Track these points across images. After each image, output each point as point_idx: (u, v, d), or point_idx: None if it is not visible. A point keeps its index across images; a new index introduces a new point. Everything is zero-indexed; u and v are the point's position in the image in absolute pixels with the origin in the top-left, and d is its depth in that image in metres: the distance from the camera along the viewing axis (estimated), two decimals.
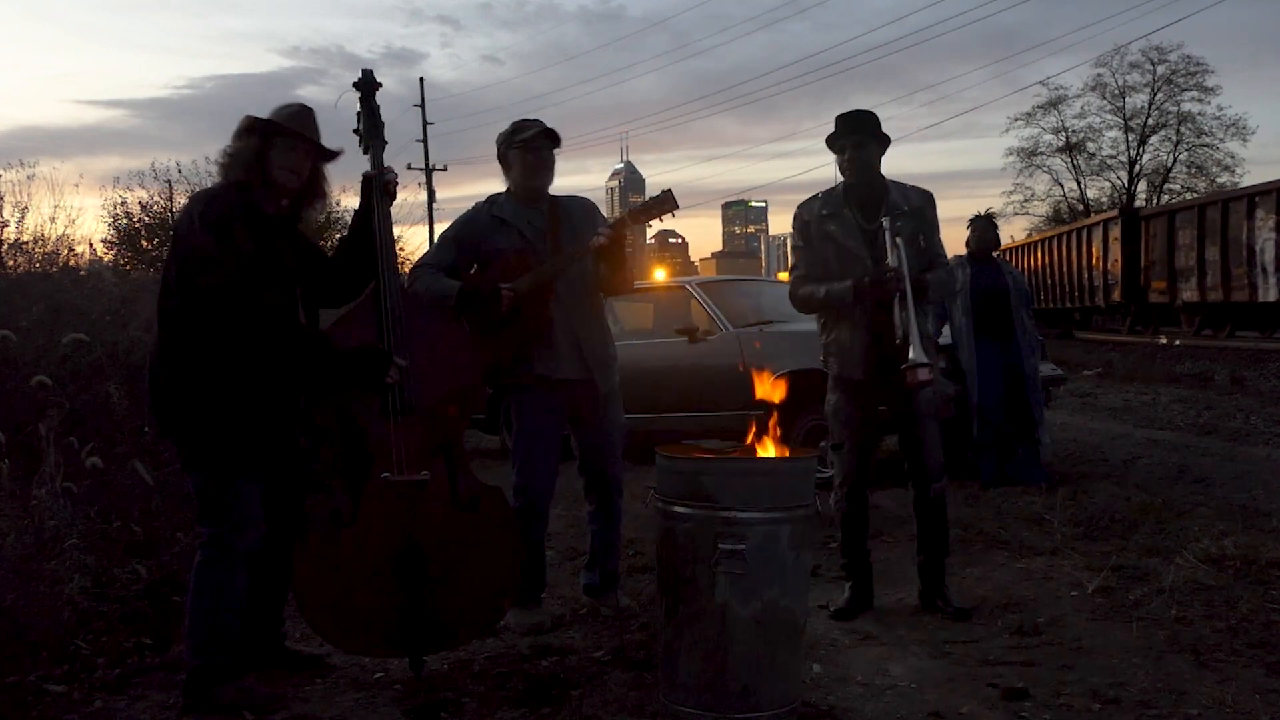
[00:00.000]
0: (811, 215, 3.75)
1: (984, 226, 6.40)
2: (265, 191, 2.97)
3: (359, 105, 3.22)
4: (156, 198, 16.68)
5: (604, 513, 3.83)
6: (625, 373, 3.91)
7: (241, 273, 2.83)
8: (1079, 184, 39.47)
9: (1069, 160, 39.27)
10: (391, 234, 3.16)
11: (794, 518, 2.73)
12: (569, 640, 3.47)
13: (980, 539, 4.73)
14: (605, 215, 3.91)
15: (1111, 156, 39.13)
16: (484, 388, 3.69)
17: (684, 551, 2.74)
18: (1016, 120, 39.83)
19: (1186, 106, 37.17)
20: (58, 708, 2.93)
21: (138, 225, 16.86)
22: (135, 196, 16.82)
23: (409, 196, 33.71)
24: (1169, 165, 38.06)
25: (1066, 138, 38.97)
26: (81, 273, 7.40)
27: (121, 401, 4.58)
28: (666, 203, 3.60)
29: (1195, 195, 31.95)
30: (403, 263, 13.05)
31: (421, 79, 37.42)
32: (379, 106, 3.23)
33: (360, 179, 3.18)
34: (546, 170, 3.70)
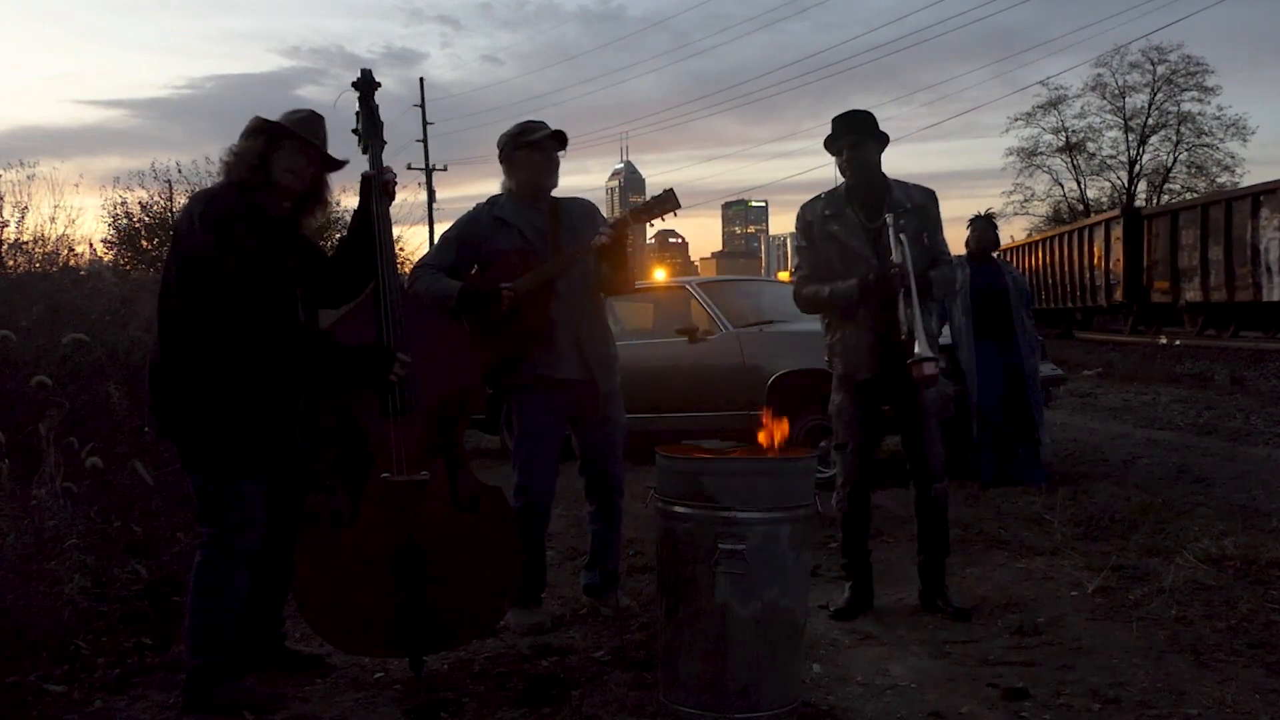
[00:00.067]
0: (814, 215, 3.75)
1: (984, 226, 6.40)
2: (267, 193, 2.97)
3: (358, 105, 3.22)
4: (156, 198, 16.69)
5: (604, 513, 3.83)
6: (625, 373, 3.90)
7: (242, 272, 2.83)
8: (1079, 184, 39.52)
9: (1069, 160, 39.31)
10: (390, 234, 3.16)
11: (794, 518, 2.73)
12: (569, 640, 3.47)
13: (980, 539, 4.73)
14: (605, 215, 3.91)
15: (1111, 156, 39.20)
16: (484, 388, 3.69)
17: (684, 551, 2.74)
18: (1016, 120, 39.90)
19: (1186, 106, 37.23)
20: (58, 708, 2.93)
21: (138, 225, 16.86)
22: (135, 196, 16.83)
23: (409, 196, 33.75)
24: (1169, 165, 38.10)
25: (1066, 138, 39.01)
26: (81, 273, 7.39)
27: (121, 401, 4.57)
28: (668, 202, 3.60)
29: (1195, 195, 31.93)
30: (402, 263, 13.05)
31: (421, 79, 37.47)
32: (378, 106, 3.23)
33: (359, 179, 3.18)
34: (554, 171, 3.71)
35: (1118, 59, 37.37)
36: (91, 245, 11.04)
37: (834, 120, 3.70)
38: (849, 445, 3.73)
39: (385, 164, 3.20)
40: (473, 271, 3.71)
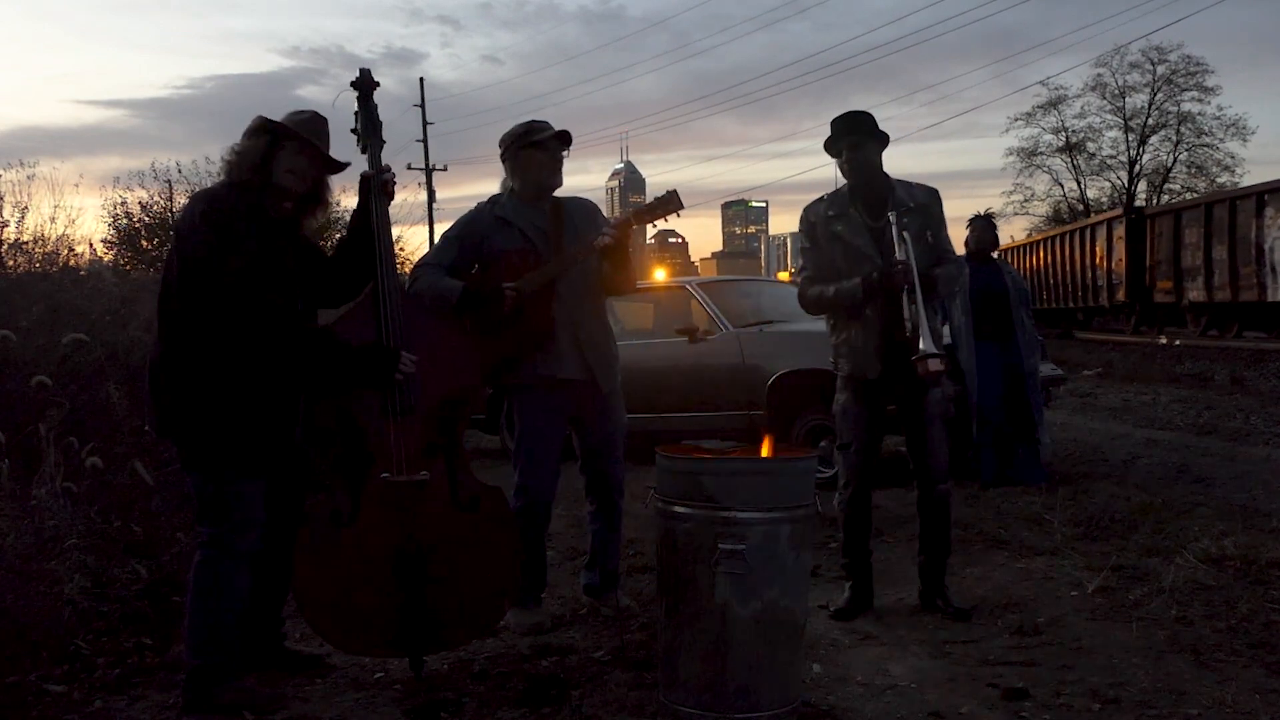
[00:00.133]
0: (818, 217, 3.75)
1: (983, 227, 6.40)
2: (268, 193, 2.97)
3: (357, 105, 3.22)
4: (156, 198, 16.66)
5: (604, 513, 3.83)
6: (625, 373, 3.90)
7: (243, 272, 2.83)
8: (1079, 184, 39.51)
9: (1069, 160, 39.29)
10: (390, 233, 3.16)
11: (794, 518, 2.73)
12: (569, 640, 3.47)
13: (980, 539, 4.73)
14: (606, 215, 3.91)
15: (1111, 156, 39.17)
16: (484, 388, 3.68)
17: (684, 551, 2.74)
18: (1016, 120, 39.87)
19: (1186, 106, 37.20)
20: (58, 708, 2.93)
21: (138, 225, 16.84)
22: (135, 196, 16.81)
23: (409, 196, 33.76)
24: (1169, 165, 38.08)
25: (1066, 138, 39.00)
26: (81, 273, 7.39)
27: (121, 401, 4.57)
28: (671, 203, 3.61)
29: (1195, 195, 31.90)
30: (402, 263, 13.04)
31: (421, 79, 37.46)
32: (377, 106, 3.23)
33: (358, 179, 3.18)
34: (559, 171, 3.71)
35: (1118, 59, 37.42)
36: (91, 245, 11.02)
37: (833, 122, 3.70)
38: (853, 445, 3.73)
39: (384, 163, 3.20)
40: (474, 271, 3.71)
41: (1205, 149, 37.26)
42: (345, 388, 3.05)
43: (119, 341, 5.30)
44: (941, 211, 3.79)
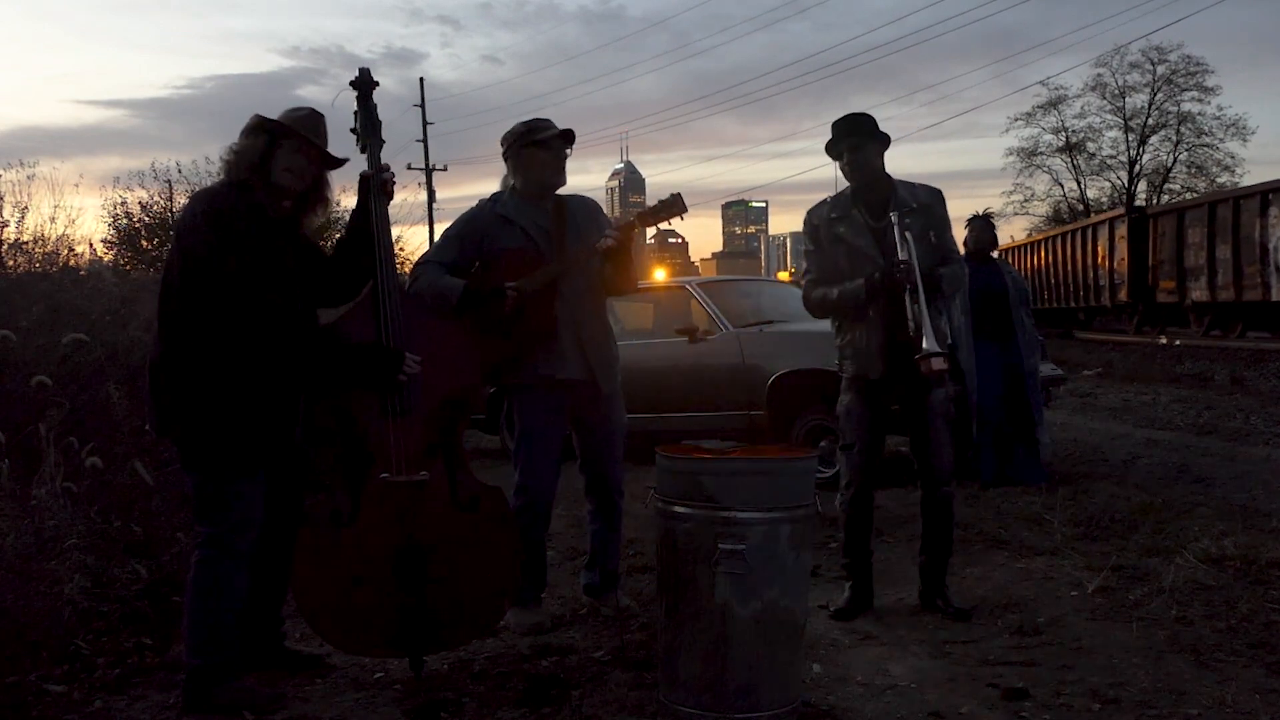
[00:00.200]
0: (821, 219, 3.75)
1: (981, 227, 6.40)
2: (267, 192, 2.97)
3: (356, 104, 3.22)
4: (156, 198, 16.65)
5: (604, 513, 3.83)
6: (626, 373, 3.90)
7: (244, 271, 2.83)
8: (1079, 184, 39.50)
9: (1069, 160, 39.28)
10: (389, 233, 3.16)
11: (794, 518, 2.73)
12: (569, 640, 3.47)
13: (980, 539, 4.73)
14: (606, 216, 3.91)
15: (1111, 156, 39.17)
16: (484, 387, 3.68)
17: (684, 551, 2.74)
18: (1016, 120, 39.87)
19: (1186, 106, 37.19)
20: (58, 708, 2.93)
21: (138, 225, 16.83)
22: (135, 196, 16.80)
23: (409, 196, 33.71)
24: (1169, 165, 38.07)
25: (1066, 138, 38.99)
26: (81, 273, 7.39)
27: (121, 401, 4.57)
28: (675, 206, 3.62)
29: (1195, 195, 31.88)
30: (402, 263, 13.03)
31: (421, 79, 37.46)
32: (376, 106, 3.23)
33: (358, 178, 3.18)
34: (562, 170, 3.72)
35: (1118, 59, 37.41)
36: (91, 245, 11.01)
37: (833, 125, 3.70)
38: (855, 446, 3.73)
39: (384, 163, 3.20)
40: (475, 269, 3.71)
41: (1205, 149, 37.31)
42: (348, 388, 3.05)
43: (119, 341, 5.30)
44: (945, 212, 3.79)
